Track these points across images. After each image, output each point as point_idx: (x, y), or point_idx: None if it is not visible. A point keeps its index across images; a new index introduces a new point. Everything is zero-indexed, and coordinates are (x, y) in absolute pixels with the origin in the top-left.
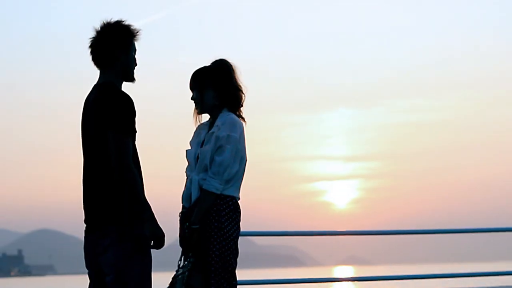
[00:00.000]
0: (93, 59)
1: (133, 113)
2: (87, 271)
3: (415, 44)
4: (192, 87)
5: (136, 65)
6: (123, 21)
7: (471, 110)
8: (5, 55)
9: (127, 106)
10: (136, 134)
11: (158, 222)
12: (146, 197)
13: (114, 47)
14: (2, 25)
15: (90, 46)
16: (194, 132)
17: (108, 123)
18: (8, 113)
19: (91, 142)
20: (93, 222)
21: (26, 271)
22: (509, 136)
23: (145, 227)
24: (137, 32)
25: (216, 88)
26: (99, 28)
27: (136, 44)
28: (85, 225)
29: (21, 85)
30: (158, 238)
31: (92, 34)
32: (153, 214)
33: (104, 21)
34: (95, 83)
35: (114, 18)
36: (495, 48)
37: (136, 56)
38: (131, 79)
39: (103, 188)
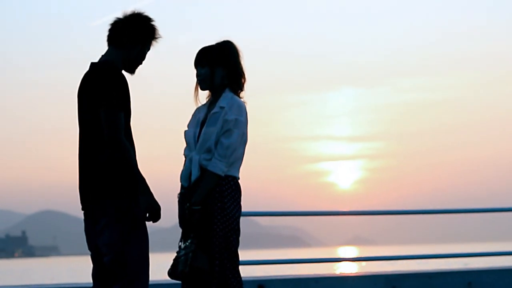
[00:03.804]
0: (110, 36)
1: (124, 90)
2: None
3: (419, 23)
4: (201, 63)
5: (142, 62)
6: (153, 20)
7: (476, 89)
8: (6, 34)
9: (119, 83)
10: (130, 112)
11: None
12: (143, 173)
13: (137, 36)
14: (4, 5)
15: (113, 25)
16: (193, 114)
17: (100, 100)
18: (11, 93)
19: (84, 118)
20: (89, 200)
21: (30, 252)
22: None
23: (141, 200)
24: (159, 37)
25: (226, 67)
26: (129, 15)
27: (152, 46)
28: (81, 206)
29: (24, 65)
30: (155, 211)
31: (120, 15)
32: (148, 186)
33: (136, 11)
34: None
35: (144, 12)
36: (503, 27)
37: (146, 55)
38: (132, 71)
39: (97, 164)
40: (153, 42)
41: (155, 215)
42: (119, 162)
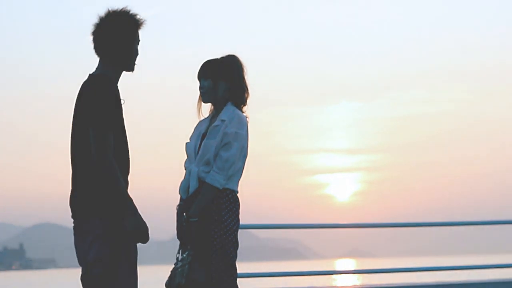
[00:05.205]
0: (95, 48)
1: (114, 107)
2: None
3: (417, 36)
4: (204, 75)
5: (137, 55)
6: (129, 10)
7: (476, 101)
8: (7, 47)
9: (109, 101)
10: (124, 129)
11: (142, 216)
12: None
13: (118, 38)
14: (8, 18)
15: (93, 34)
16: (195, 127)
17: (88, 119)
18: (9, 106)
19: (74, 136)
20: (77, 216)
21: (27, 265)
22: (511, 128)
23: (128, 221)
24: (142, 22)
25: (229, 81)
26: (104, 16)
27: (140, 34)
28: (72, 220)
29: (23, 78)
30: (141, 233)
31: (96, 21)
32: (135, 207)
33: (109, 9)
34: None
35: (120, 6)
36: (498, 40)
37: (138, 46)
38: (131, 69)
39: (86, 183)
40: (139, 31)
41: (143, 236)
42: (106, 183)
